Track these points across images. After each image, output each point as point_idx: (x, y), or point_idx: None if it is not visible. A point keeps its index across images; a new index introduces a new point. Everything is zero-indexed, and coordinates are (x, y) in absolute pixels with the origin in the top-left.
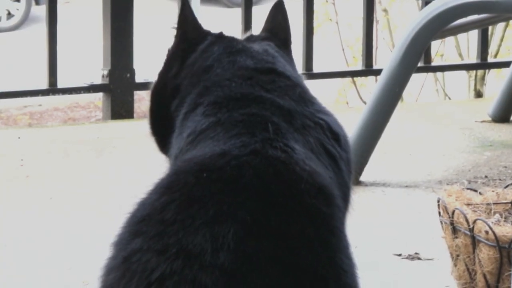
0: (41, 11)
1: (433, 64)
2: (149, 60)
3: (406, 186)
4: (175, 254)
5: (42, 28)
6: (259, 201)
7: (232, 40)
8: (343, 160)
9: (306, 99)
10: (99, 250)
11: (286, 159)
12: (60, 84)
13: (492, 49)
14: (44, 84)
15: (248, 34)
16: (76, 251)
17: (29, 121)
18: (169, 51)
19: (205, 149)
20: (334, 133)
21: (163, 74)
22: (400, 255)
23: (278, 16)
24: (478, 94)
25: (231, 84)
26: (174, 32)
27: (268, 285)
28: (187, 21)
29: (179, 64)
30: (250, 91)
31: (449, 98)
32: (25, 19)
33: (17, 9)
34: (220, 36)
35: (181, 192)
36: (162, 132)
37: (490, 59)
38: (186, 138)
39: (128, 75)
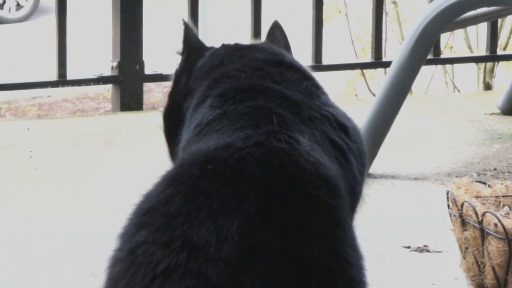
0: (50, 2)
1: (442, 56)
2: (159, 52)
3: (415, 179)
4: (180, 246)
5: (51, 20)
6: (263, 193)
7: (238, 43)
8: (352, 152)
9: (313, 92)
10: (108, 242)
11: (290, 150)
12: (70, 76)
13: (501, 42)
14: (53, 76)
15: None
16: (85, 244)
17: (38, 112)
18: (176, 71)
19: (210, 142)
20: (341, 125)
21: (173, 93)
22: (409, 247)
23: (276, 31)
24: (487, 87)
25: (240, 75)
26: (179, 57)
27: (272, 277)
28: (191, 40)
29: (188, 73)
30: (259, 82)
31: (458, 91)
32: (34, 10)
33: (26, 0)
34: (226, 44)
35: (186, 184)
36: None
37: (500, 52)
38: (193, 130)
39: (138, 66)
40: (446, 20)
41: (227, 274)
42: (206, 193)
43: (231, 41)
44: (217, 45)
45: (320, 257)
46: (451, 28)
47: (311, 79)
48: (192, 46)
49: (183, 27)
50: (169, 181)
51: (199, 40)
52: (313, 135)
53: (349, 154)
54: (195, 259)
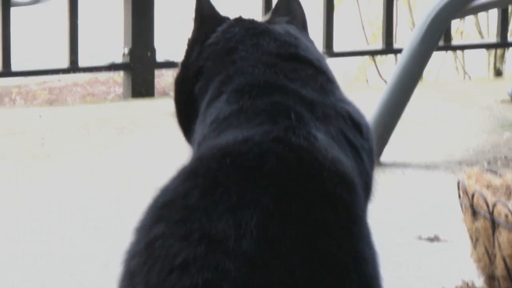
0: None
1: (453, 43)
2: (170, 38)
3: (426, 167)
4: (198, 239)
5: (61, 3)
6: (282, 188)
7: (252, 21)
8: (364, 150)
9: (328, 88)
10: (121, 230)
11: (309, 146)
12: (81, 63)
13: None
14: (65, 63)
15: (267, 17)
16: (97, 231)
17: (48, 96)
18: (188, 40)
19: (228, 136)
20: (355, 123)
21: (185, 63)
22: (419, 236)
23: (294, 4)
24: (498, 72)
25: (254, 70)
26: (192, 23)
27: (290, 272)
28: (203, 8)
29: (199, 47)
30: (273, 79)
31: (469, 76)
32: None
33: None
34: (240, 19)
35: (204, 178)
36: (187, 121)
37: (510, 38)
38: (209, 125)
39: (149, 53)
40: (457, 8)
41: (246, 268)
42: (225, 187)
43: (244, 15)
44: (231, 17)
45: (336, 253)
46: (462, 15)
47: (325, 73)
48: (204, 14)
49: None
50: (187, 175)
51: (213, 7)
52: (329, 132)
53: (362, 152)
54: (213, 252)
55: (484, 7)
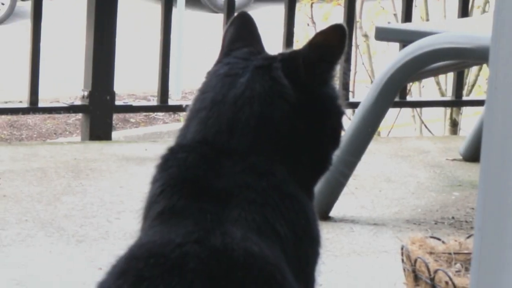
0: (27, 6)
1: (408, 99)
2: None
3: (375, 224)
4: None
5: (27, 24)
6: (203, 286)
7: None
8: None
9: (260, 172)
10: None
11: (225, 247)
12: (42, 94)
13: (469, 80)
14: (25, 103)
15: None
16: (56, 275)
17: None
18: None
19: (155, 236)
20: (285, 205)
21: None
22: None
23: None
24: (454, 123)
25: (186, 160)
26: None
27: None
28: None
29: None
30: (200, 173)
31: (425, 125)
32: (10, 13)
33: (2, 4)
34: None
35: (132, 276)
36: None
37: (466, 97)
38: (152, 217)
39: (108, 97)
40: (412, 70)
41: None
42: (151, 280)
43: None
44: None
45: None
46: (418, 77)
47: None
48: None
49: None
50: (119, 274)
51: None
52: (251, 223)
53: (285, 240)
54: None
55: (439, 71)
